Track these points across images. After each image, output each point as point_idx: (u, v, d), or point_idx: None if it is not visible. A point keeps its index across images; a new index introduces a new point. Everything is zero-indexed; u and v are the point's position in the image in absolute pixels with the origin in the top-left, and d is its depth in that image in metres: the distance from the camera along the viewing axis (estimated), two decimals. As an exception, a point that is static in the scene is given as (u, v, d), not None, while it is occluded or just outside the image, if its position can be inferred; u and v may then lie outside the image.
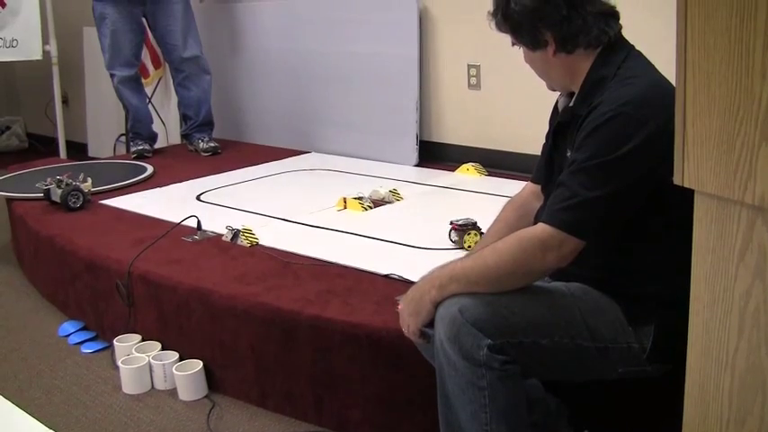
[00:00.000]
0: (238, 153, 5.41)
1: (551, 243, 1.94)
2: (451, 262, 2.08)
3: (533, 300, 2.03)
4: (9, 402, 1.72)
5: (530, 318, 1.99)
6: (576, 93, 2.13)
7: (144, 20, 5.30)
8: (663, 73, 2.06)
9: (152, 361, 3.06)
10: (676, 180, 1.51)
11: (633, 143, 1.91)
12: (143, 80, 5.86)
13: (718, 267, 1.48)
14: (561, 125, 2.18)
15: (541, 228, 1.96)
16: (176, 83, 5.48)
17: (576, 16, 2.05)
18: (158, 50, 5.73)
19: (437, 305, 2.03)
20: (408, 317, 2.11)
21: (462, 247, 3.20)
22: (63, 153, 6.19)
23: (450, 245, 3.23)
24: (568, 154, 2.08)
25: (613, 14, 2.10)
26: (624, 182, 1.92)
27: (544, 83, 2.26)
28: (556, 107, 2.29)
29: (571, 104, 2.14)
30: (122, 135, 6.20)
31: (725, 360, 1.50)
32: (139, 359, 3.08)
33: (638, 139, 1.91)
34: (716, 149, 1.41)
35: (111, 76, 5.32)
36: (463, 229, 3.24)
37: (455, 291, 2.00)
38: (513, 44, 2.20)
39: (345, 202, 3.91)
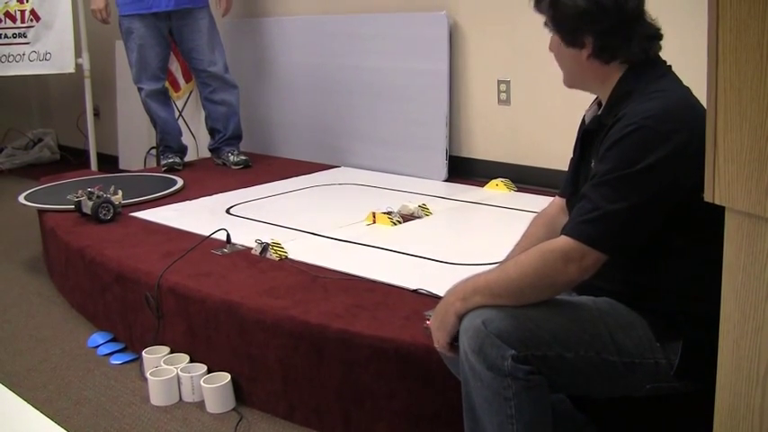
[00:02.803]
0: (267, 167, 5.43)
1: (573, 255, 1.94)
2: (476, 275, 2.08)
3: (558, 313, 2.02)
4: (38, 412, 1.73)
5: (554, 331, 1.99)
6: (604, 103, 2.12)
7: (169, 35, 5.33)
8: (692, 92, 2.05)
9: (180, 373, 3.07)
10: (707, 197, 1.50)
11: (655, 157, 1.90)
12: (175, 94, 5.90)
13: (748, 285, 1.47)
14: (588, 134, 2.17)
15: (563, 240, 1.96)
16: (203, 97, 5.51)
17: (623, 30, 2.03)
18: (189, 64, 5.77)
19: (461, 317, 2.03)
20: (436, 330, 2.12)
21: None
22: (94, 165, 6.24)
23: (479, 260, 3.22)
24: (592, 164, 2.08)
25: (657, 36, 2.10)
26: (646, 195, 1.92)
27: (576, 99, 2.25)
28: (583, 120, 2.28)
29: (599, 113, 2.14)
30: (153, 148, 6.24)
31: (755, 378, 1.49)
32: (168, 371, 3.09)
33: (660, 152, 1.90)
34: (747, 166, 1.40)
35: (139, 89, 5.37)
36: None
37: (479, 303, 2.00)
38: (546, 26, 2.17)
39: (374, 216, 3.91)
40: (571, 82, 2.22)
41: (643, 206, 1.93)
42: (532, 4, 2.17)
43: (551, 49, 2.20)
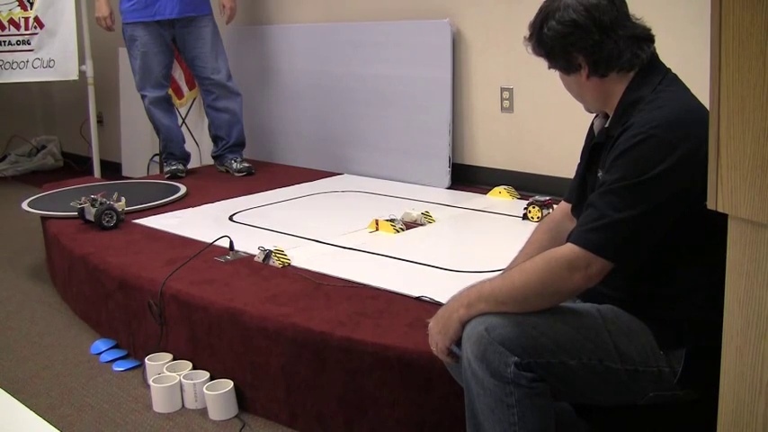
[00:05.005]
0: (271, 174, 5.43)
1: (578, 263, 1.94)
2: (481, 282, 2.09)
3: (561, 320, 2.02)
4: (41, 419, 1.73)
5: (557, 338, 1.99)
6: (611, 114, 2.13)
7: (173, 43, 5.35)
8: (696, 97, 2.06)
9: (183, 380, 3.07)
10: (710, 205, 1.50)
11: (663, 166, 1.91)
12: (178, 101, 5.91)
13: (751, 292, 1.47)
14: (596, 145, 2.18)
15: (569, 248, 1.96)
16: (206, 105, 5.52)
17: (608, 40, 2.05)
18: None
19: (465, 324, 2.03)
20: (437, 335, 2.12)
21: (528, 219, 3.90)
22: (97, 172, 6.24)
23: (482, 267, 3.22)
24: (599, 174, 2.08)
25: (647, 37, 2.10)
26: (652, 204, 1.92)
27: (579, 106, 2.26)
28: (591, 128, 2.29)
29: (606, 125, 2.14)
30: (156, 155, 6.25)
31: (758, 386, 1.49)
32: (170, 378, 3.10)
33: (668, 162, 1.91)
34: (750, 174, 1.41)
35: (143, 97, 5.38)
36: (534, 204, 3.88)
37: (483, 310, 2.01)
38: (549, 67, 2.20)
39: (377, 223, 3.91)
40: (587, 107, 2.25)
41: (650, 215, 1.93)
42: (530, 50, 2.21)
43: (563, 85, 2.22)
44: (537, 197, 4.02)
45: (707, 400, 1.78)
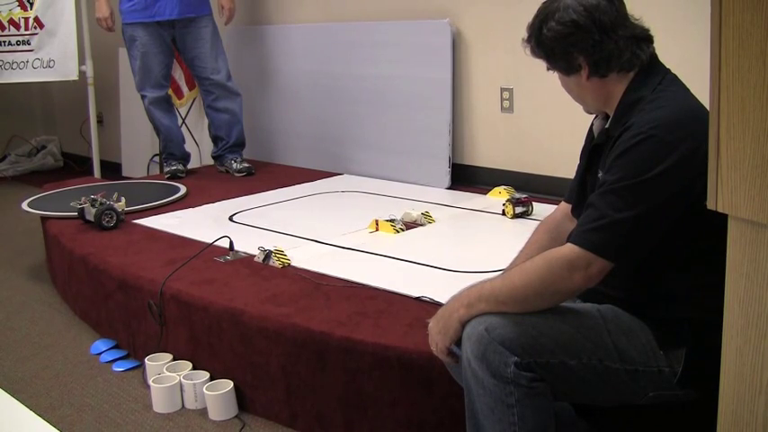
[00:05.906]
0: (270, 174, 5.43)
1: (579, 263, 1.94)
2: (481, 282, 2.09)
3: (561, 320, 2.02)
4: (41, 419, 1.73)
5: (557, 338, 1.99)
6: (611, 115, 2.13)
7: (172, 43, 5.35)
8: (696, 97, 2.06)
9: (183, 380, 3.07)
10: (710, 205, 1.50)
11: (663, 166, 1.91)
12: (178, 101, 5.91)
13: (751, 292, 1.47)
14: (596, 146, 2.18)
15: (569, 248, 1.96)
16: (206, 105, 5.52)
17: (608, 41, 2.05)
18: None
19: (465, 324, 2.03)
20: (437, 335, 2.12)
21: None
22: (97, 172, 6.24)
23: (482, 267, 3.22)
24: (599, 175, 2.08)
25: (646, 38, 2.11)
26: (652, 204, 1.92)
27: (579, 106, 2.26)
28: (591, 129, 2.29)
29: (606, 126, 2.14)
30: (156, 155, 6.25)
31: (758, 385, 1.49)
32: (170, 378, 3.09)
33: (668, 162, 1.91)
34: (750, 174, 1.40)
35: (142, 97, 5.38)
36: (509, 201, 4.01)
37: (483, 310, 2.01)
38: (549, 69, 2.20)
39: (377, 224, 3.91)
40: (587, 108, 2.25)
41: (650, 215, 1.93)
42: (529, 52, 2.21)
43: (562, 86, 2.23)
44: (515, 195, 4.13)
45: (707, 400, 1.78)
